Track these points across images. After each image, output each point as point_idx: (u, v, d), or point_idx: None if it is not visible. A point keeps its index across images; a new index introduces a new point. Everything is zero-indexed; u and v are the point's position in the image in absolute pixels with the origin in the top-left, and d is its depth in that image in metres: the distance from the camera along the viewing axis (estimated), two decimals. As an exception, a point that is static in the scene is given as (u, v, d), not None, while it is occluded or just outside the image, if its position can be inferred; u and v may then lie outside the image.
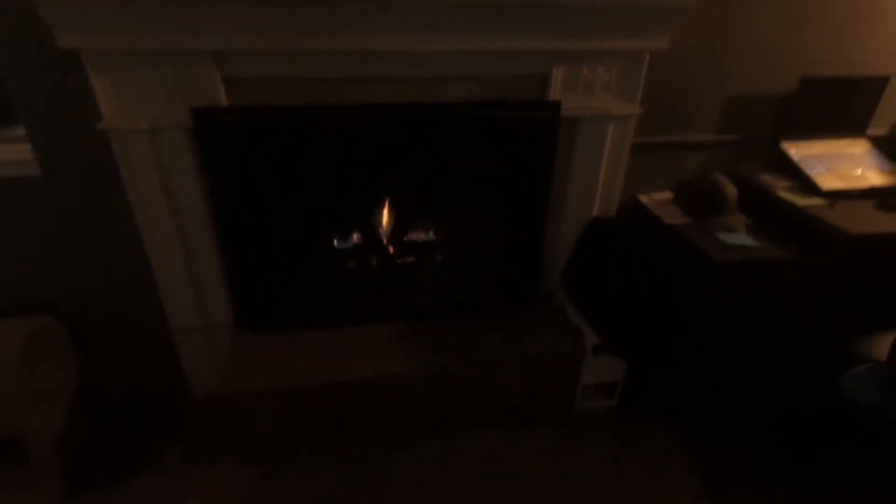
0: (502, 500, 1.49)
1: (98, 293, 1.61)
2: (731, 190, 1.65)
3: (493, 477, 1.55)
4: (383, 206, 1.81)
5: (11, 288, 1.54)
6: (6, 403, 1.32)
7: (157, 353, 1.69)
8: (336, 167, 1.64)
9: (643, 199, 1.81)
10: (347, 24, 1.29)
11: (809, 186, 1.65)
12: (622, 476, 1.56)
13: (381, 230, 1.83)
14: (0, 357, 1.34)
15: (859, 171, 1.70)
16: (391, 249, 1.86)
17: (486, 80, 1.48)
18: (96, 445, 1.61)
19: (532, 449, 1.65)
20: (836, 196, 1.61)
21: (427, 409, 1.62)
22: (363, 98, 1.44)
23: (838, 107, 1.75)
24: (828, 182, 1.64)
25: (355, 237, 1.83)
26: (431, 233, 1.89)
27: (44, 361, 1.46)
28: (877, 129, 1.83)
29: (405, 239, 1.87)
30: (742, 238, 1.56)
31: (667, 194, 1.83)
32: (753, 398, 1.77)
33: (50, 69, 1.28)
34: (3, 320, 1.44)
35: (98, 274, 1.58)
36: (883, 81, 1.74)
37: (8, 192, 1.42)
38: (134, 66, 1.27)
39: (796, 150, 1.74)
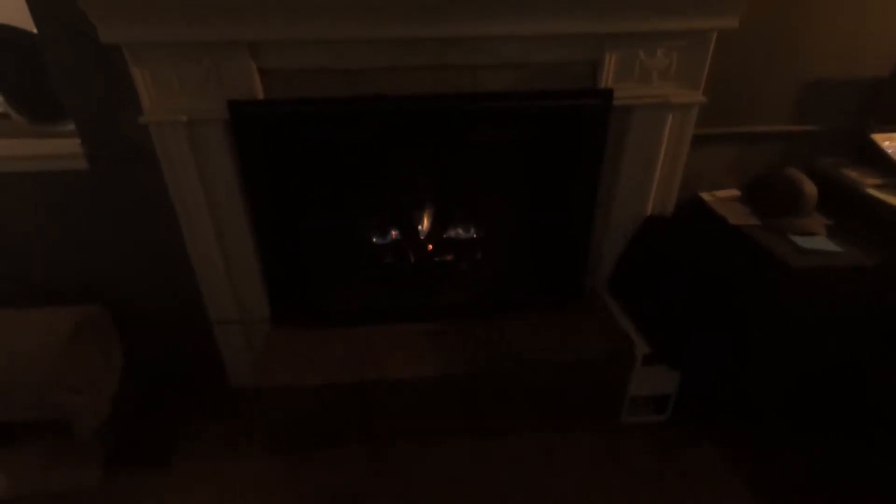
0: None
1: (143, 284, 1.64)
2: (810, 187, 1.46)
3: (525, 485, 1.47)
4: (422, 202, 1.75)
5: (61, 277, 1.59)
6: (54, 387, 1.36)
7: (197, 343, 1.71)
8: (374, 160, 1.59)
9: (705, 196, 1.64)
10: (383, 9, 1.23)
11: (905, 184, 1.44)
12: (663, 494, 1.44)
13: (419, 226, 1.77)
14: (49, 344, 1.39)
15: (968, 167, 1.47)
16: (429, 247, 1.79)
17: (530, 68, 1.38)
18: (136, 428, 1.66)
19: (569, 458, 1.54)
20: (938, 195, 1.39)
21: (460, 410, 1.56)
22: (402, 88, 1.38)
23: (944, 92, 1.52)
24: (928, 179, 1.42)
25: (393, 233, 1.78)
26: (472, 230, 1.81)
27: (90, 348, 1.50)
28: None
29: (444, 236, 1.80)
30: (821, 242, 1.38)
31: (733, 192, 1.65)
32: (809, 415, 1.59)
33: (96, 66, 1.30)
34: (52, 308, 1.50)
35: (143, 265, 1.61)
36: None
37: (59, 185, 1.46)
38: (171, 59, 1.26)
39: (890, 143, 1.53)
